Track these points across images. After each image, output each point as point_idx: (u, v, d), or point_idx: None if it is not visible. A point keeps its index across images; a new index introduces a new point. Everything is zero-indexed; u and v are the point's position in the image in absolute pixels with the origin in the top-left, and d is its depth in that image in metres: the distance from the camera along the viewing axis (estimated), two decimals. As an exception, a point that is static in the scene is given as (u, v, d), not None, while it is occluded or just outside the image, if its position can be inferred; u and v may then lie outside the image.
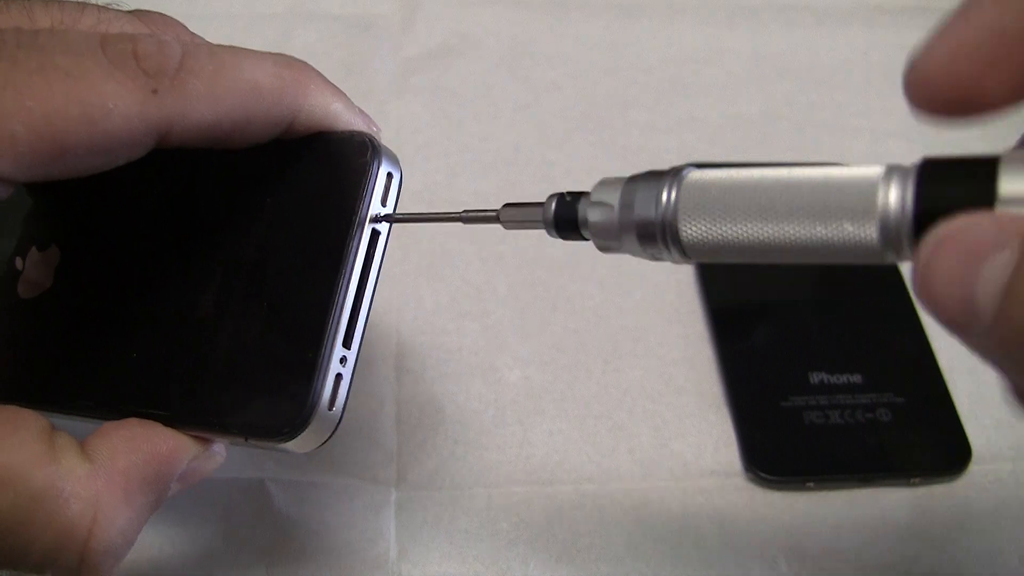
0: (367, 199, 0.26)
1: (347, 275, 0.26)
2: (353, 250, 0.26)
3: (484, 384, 0.39)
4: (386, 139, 0.48)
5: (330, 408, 0.26)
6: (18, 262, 0.30)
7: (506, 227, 0.27)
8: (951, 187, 0.19)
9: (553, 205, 0.25)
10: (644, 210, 0.23)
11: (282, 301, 0.26)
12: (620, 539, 0.35)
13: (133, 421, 0.26)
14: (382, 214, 0.27)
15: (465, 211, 0.27)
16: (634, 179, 0.24)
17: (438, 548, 0.34)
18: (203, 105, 0.24)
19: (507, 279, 0.43)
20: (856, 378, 0.39)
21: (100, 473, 0.24)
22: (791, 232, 0.21)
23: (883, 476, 0.37)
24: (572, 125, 0.50)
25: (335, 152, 0.27)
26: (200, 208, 0.29)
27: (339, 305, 0.26)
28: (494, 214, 0.27)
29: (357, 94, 0.49)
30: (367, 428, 0.38)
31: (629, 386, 0.39)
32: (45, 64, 0.22)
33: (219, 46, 0.26)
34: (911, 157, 0.54)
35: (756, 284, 0.43)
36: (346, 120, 0.28)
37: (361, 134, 0.28)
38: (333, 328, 0.26)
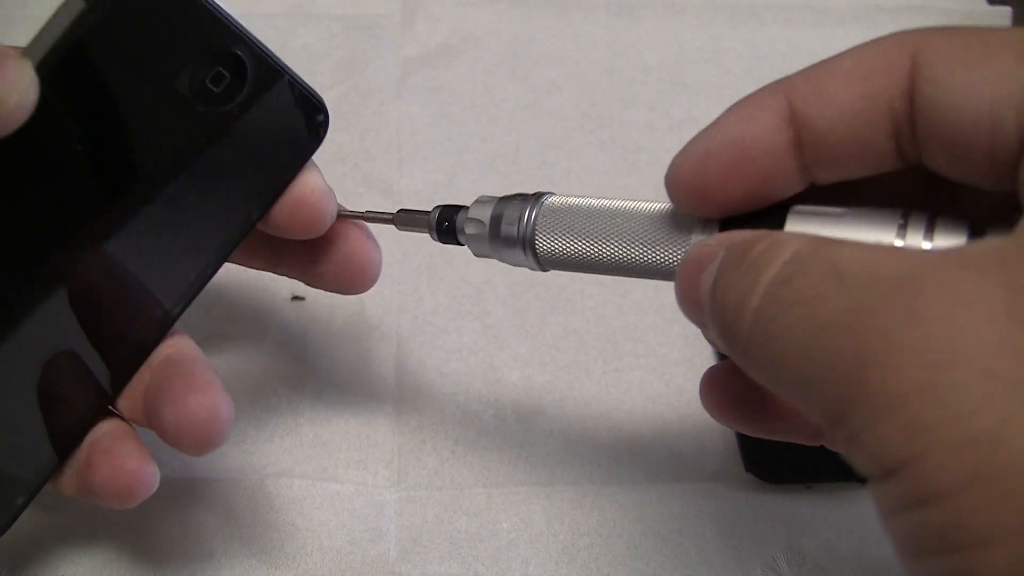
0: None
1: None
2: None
3: (484, 384, 0.39)
4: (386, 139, 0.48)
5: None
6: None
7: (399, 229, 0.31)
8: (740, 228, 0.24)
9: (436, 215, 0.30)
10: (509, 226, 0.28)
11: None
12: (620, 539, 0.35)
13: None
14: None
15: (368, 211, 0.32)
16: (504, 199, 0.29)
17: (438, 548, 0.34)
18: None
19: (507, 279, 0.43)
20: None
21: None
22: (619, 252, 0.27)
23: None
24: (572, 125, 0.50)
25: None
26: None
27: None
28: (390, 217, 0.32)
29: (357, 94, 0.50)
30: (367, 428, 0.38)
31: (629, 386, 0.39)
32: None
33: None
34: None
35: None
36: None
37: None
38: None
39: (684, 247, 0.25)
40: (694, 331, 0.42)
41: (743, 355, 0.21)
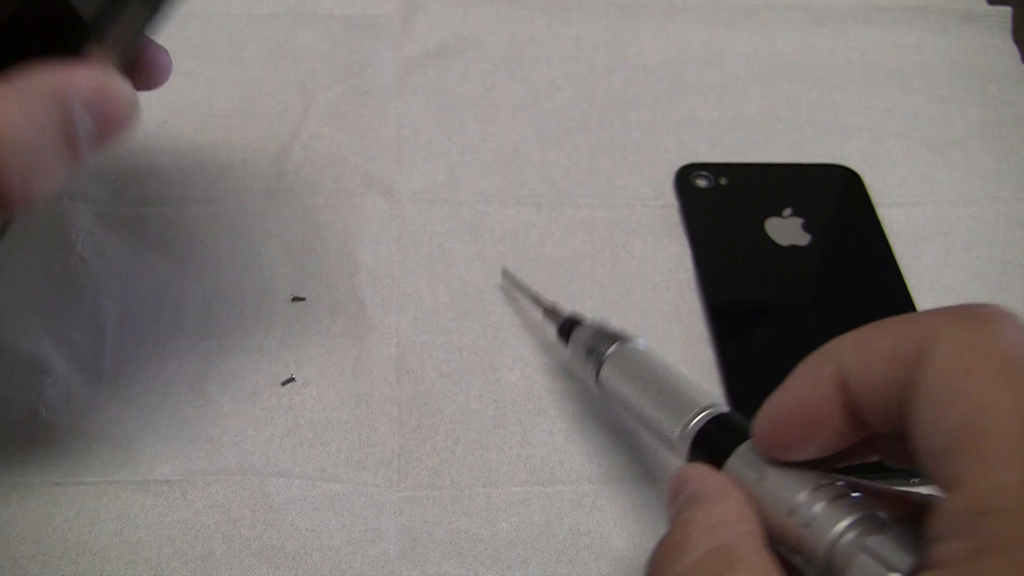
0: None
1: None
2: None
3: (484, 384, 0.39)
4: (386, 139, 0.48)
5: None
6: None
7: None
8: (712, 441, 0.30)
9: (556, 327, 0.38)
10: (598, 344, 0.35)
11: None
12: (620, 539, 0.35)
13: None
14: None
15: (551, 309, 0.40)
16: (599, 333, 0.36)
17: (438, 548, 0.34)
18: None
19: (507, 279, 0.42)
20: (856, 378, 0.39)
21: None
22: (640, 405, 0.33)
23: (883, 476, 0.37)
24: (572, 125, 0.50)
25: None
26: None
27: None
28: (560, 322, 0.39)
29: (357, 94, 0.50)
30: (367, 428, 0.38)
31: (629, 386, 0.39)
32: None
33: None
34: (910, 157, 0.54)
35: (756, 284, 0.43)
36: None
37: None
38: None
39: (680, 425, 0.30)
40: (694, 331, 0.42)
41: None
